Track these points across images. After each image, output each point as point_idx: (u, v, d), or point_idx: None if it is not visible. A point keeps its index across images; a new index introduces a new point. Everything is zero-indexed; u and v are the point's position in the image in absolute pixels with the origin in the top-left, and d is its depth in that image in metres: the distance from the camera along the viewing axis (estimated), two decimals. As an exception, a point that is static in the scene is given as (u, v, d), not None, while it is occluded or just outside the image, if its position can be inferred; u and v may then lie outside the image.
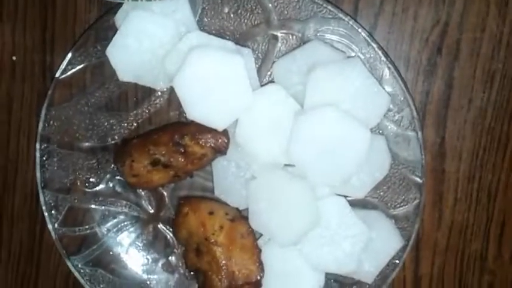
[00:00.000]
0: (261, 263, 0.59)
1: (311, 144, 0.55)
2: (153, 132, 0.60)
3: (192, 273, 0.62)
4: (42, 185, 0.62)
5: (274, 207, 0.58)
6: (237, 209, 0.61)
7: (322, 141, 0.55)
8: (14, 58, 0.64)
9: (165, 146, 0.58)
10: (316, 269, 0.59)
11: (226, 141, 0.57)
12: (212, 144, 0.58)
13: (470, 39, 0.60)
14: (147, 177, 0.59)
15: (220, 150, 0.58)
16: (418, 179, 0.59)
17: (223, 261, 0.58)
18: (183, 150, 0.58)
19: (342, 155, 0.55)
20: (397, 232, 0.59)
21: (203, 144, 0.57)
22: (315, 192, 0.58)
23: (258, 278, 0.58)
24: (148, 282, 0.64)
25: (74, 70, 0.60)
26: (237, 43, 0.57)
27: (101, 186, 0.64)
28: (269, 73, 0.60)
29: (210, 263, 0.59)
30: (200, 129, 0.58)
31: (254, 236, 0.60)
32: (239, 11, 0.59)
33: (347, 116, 0.55)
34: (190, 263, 0.61)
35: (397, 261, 0.59)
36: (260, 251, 0.59)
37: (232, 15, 0.59)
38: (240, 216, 0.60)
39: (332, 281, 0.61)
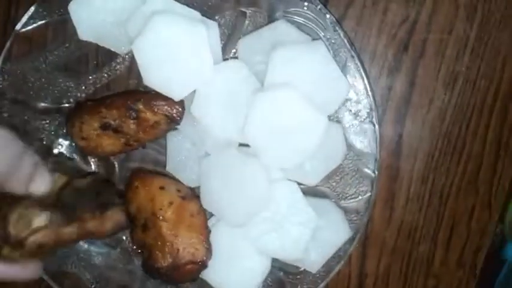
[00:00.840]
0: (209, 245, 0.56)
1: (267, 124, 0.54)
2: (107, 97, 0.58)
3: (136, 249, 0.60)
4: (-10, 141, 0.59)
5: (226, 186, 0.56)
6: (190, 188, 0.58)
7: (278, 122, 0.53)
8: (-24, 8, 0.62)
9: (117, 110, 0.56)
10: (262, 254, 0.57)
11: (180, 110, 0.55)
12: (166, 113, 0.55)
13: (437, 40, 0.59)
14: (97, 141, 0.57)
15: (174, 120, 0.55)
16: (371, 173, 0.57)
17: (169, 238, 0.55)
18: (135, 115, 0.56)
19: (297, 138, 0.54)
20: (346, 223, 0.58)
21: (156, 110, 0.55)
22: (268, 174, 0.56)
23: (204, 258, 0.55)
24: (88, 253, 0.61)
25: (35, 25, 0.58)
26: (204, 15, 0.56)
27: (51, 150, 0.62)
28: (234, 50, 0.58)
29: (155, 238, 0.55)
30: (155, 97, 0.56)
31: (205, 216, 0.57)
32: (207, -18, 0.57)
33: (306, 99, 0.53)
34: (136, 238, 0.57)
35: (342, 254, 0.58)
36: (209, 232, 0.57)
37: (200, -14, 0.57)
38: (192, 194, 0.57)
39: (278, 269, 0.59)
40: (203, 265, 0.56)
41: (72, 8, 0.55)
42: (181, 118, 0.56)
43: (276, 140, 0.54)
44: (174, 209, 0.55)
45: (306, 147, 0.54)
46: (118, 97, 0.57)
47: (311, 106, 0.53)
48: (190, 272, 0.56)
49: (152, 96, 0.56)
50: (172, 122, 0.56)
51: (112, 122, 0.56)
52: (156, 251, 0.55)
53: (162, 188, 0.56)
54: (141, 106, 0.55)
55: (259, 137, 0.54)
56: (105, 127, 0.56)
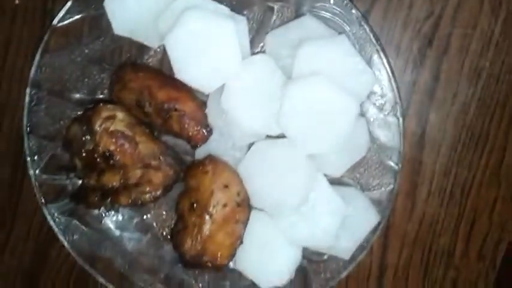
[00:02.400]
0: (234, 254, 0.57)
1: (301, 112, 0.54)
2: (162, 77, 0.58)
3: (176, 213, 0.59)
4: (28, 130, 0.61)
5: (271, 180, 0.56)
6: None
7: (311, 110, 0.54)
8: (16, 2, 0.63)
9: (156, 103, 0.56)
10: (293, 244, 0.58)
11: (203, 137, 0.57)
12: (190, 133, 0.57)
13: (461, 35, 0.58)
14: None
15: (192, 141, 0.57)
16: (394, 165, 0.57)
17: (205, 234, 0.55)
18: (165, 118, 0.57)
19: (331, 123, 0.54)
20: (373, 208, 0.58)
21: (182, 126, 0.56)
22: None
23: (224, 264, 0.56)
24: (120, 239, 0.63)
25: (71, 19, 0.59)
26: (233, 10, 0.56)
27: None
28: (262, 44, 0.59)
29: (194, 223, 0.56)
30: (190, 115, 0.56)
31: (246, 226, 0.57)
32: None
33: (335, 85, 0.53)
34: (181, 208, 0.58)
35: (365, 244, 0.58)
36: (242, 243, 0.57)
37: (229, -18, 0.58)
38: (247, 201, 0.57)
39: (302, 257, 0.59)
40: (220, 270, 0.57)
41: (107, 3, 0.56)
42: (197, 145, 0.58)
43: (311, 127, 0.54)
44: (225, 212, 0.56)
45: (341, 131, 0.54)
46: (165, 89, 0.57)
47: (342, 91, 0.53)
48: (207, 267, 0.57)
49: (191, 111, 0.56)
50: (191, 142, 0.57)
51: (146, 108, 0.57)
52: (189, 236, 0.56)
53: (226, 186, 0.56)
54: (174, 116, 0.56)
55: (294, 126, 0.55)
56: (139, 104, 0.57)
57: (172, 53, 0.55)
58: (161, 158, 0.58)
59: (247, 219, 0.57)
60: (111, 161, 0.58)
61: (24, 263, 0.66)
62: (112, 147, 0.58)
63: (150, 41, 0.58)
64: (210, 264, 0.56)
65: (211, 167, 0.56)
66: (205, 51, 0.54)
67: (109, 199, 0.59)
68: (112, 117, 0.58)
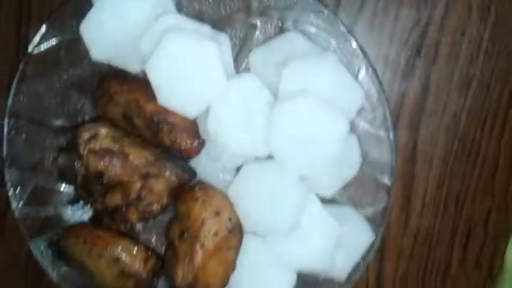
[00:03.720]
0: (227, 281, 0.54)
1: (289, 133, 0.51)
2: (150, 88, 0.53)
3: (165, 238, 0.56)
4: (9, 161, 0.57)
5: (262, 203, 0.53)
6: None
7: (300, 130, 0.51)
8: (-12, 28, 0.60)
9: (144, 116, 0.54)
10: (287, 268, 0.55)
11: (195, 149, 0.54)
12: (181, 146, 0.54)
13: (450, 42, 0.56)
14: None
15: (184, 154, 0.54)
16: (387, 181, 0.55)
17: (197, 263, 0.52)
18: (155, 131, 0.54)
19: (320, 143, 0.51)
20: (368, 226, 0.56)
21: (173, 139, 0.54)
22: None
23: None
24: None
25: (47, 45, 0.56)
26: (214, 28, 0.53)
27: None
28: (247, 60, 0.56)
29: (185, 253, 0.53)
30: (181, 127, 0.54)
31: (238, 252, 0.54)
32: (218, -4, 0.55)
33: (324, 103, 0.51)
34: (171, 236, 0.55)
35: (361, 263, 0.56)
36: (234, 269, 0.54)
37: (210, 0, 0.55)
38: (239, 226, 0.54)
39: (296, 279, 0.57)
40: None
41: (83, 28, 0.53)
42: (189, 156, 0.55)
43: (300, 147, 0.52)
44: (217, 240, 0.53)
45: (332, 150, 0.52)
46: (153, 103, 0.53)
47: (330, 109, 0.51)
48: None
49: (182, 125, 0.54)
50: (182, 154, 0.55)
51: (135, 120, 0.54)
52: (180, 266, 0.53)
53: (217, 213, 0.53)
54: (164, 129, 0.54)
55: (283, 147, 0.52)
56: (126, 118, 0.55)
57: (154, 78, 0.52)
58: (159, 163, 0.55)
59: (240, 244, 0.54)
60: (104, 181, 0.55)
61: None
62: (100, 167, 0.55)
63: (131, 66, 0.55)
64: None
65: (201, 193, 0.54)
66: (188, 75, 0.51)
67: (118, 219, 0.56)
68: (94, 137, 0.55)
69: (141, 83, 0.54)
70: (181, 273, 0.53)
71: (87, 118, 0.59)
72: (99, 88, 0.56)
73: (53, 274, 0.58)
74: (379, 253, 0.60)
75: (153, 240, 0.60)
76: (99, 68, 0.57)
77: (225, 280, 0.54)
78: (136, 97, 0.54)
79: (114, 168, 0.55)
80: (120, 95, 0.54)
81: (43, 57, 0.57)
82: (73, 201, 0.60)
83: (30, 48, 0.56)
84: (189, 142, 0.54)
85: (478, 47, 0.56)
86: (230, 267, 0.54)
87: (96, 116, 0.59)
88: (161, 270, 0.57)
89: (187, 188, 0.55)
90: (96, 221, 0.58)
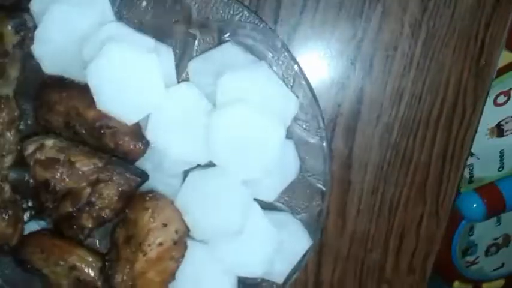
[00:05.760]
0: None
1: (228, 140, 0.52)
2: (89, 94, 0.52)
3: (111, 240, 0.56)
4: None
5: (208, 210, 0.53)
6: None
7: (238, 137, 0.52)
8: None
9: (86, 123, 0.53)
10: (228, 274, 0.56)
11: (140, 151, 0.54)
12: (126, 148, 0.54)
13: (383, 56, 0.58)
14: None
15: (129, 157, 0.54)
16: (322, 187, 0.56)
17: (138, 270, 0.52)
18: (98, 137, 0.54)
19: (258, 149, 0.52)
20: (305, 232, 0.56)
21: (117, 143, 0.53)
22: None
23: None
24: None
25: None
26: (155, 37, 0.54)
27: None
28: (186, 71, 0.56)
29: (127, 259, 0.53)
30: (124, 130, 0.53)
31: (181, 262, 0.54)
32: (157, 6, 0.55)
33: (259, 111, 0.51)
34: (116, 239, 0.54)
35: (298, 267, 0.57)
36: (174, 279, 0.54)
37: (150, 9, 0.55)
38: (184, 238, 0.54)
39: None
40: None
41: (34, 47, 0.53)
42: (134, 159, 0.54)
43: (240, 154, 0.52)
44: (160, 250, 0.53)
45: (270, 155, 0.52)
46: (94, 109, 0.53)
47: (265, 115, 0.52)
48: None
49: (130, 130, 0.53)
50: (127, 157, 0.54)
51: (77, 128, 0.54)
52: (120, 271, 0.53)
53: (165, 225, 0.53)
54: (107, 134, 0.53)
55: (223, 154, 0.52)
56: (67, 126, 0.55)
57: (93, 83, 0.52)
58: (107, 169, 0.54)
59: (183, 255, 0.54)
60: (52, 189, 0.54)
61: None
62: (47, 176, 0.54)
63: (81, 76, 0.53)
64: None
65: (151, 204, 0.53)
66: (128, 82, 0.51)
67: (74, 226, 0.55)
68: (40, 148, 0.54)
69: (80, 90, 0.54)
70: (120, 278, 0.53)
71: (29, 123, 0.58)
72: (37, 99, 0.56)
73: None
74: (317, 256, 0.61)
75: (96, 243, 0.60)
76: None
77: None
78: (75, 104, 0.54)
79: (61, 177, 0.54)
80: (60, 104, 0.54)
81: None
82: (34, 216, 0.59)
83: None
84: (132, 144, 0.54)
85: (410, 61, 0.58)
86: (169, 277, 0.54)
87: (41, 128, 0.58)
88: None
89: (138, 196, 0.55)
90: (57, 230, 0.57)
